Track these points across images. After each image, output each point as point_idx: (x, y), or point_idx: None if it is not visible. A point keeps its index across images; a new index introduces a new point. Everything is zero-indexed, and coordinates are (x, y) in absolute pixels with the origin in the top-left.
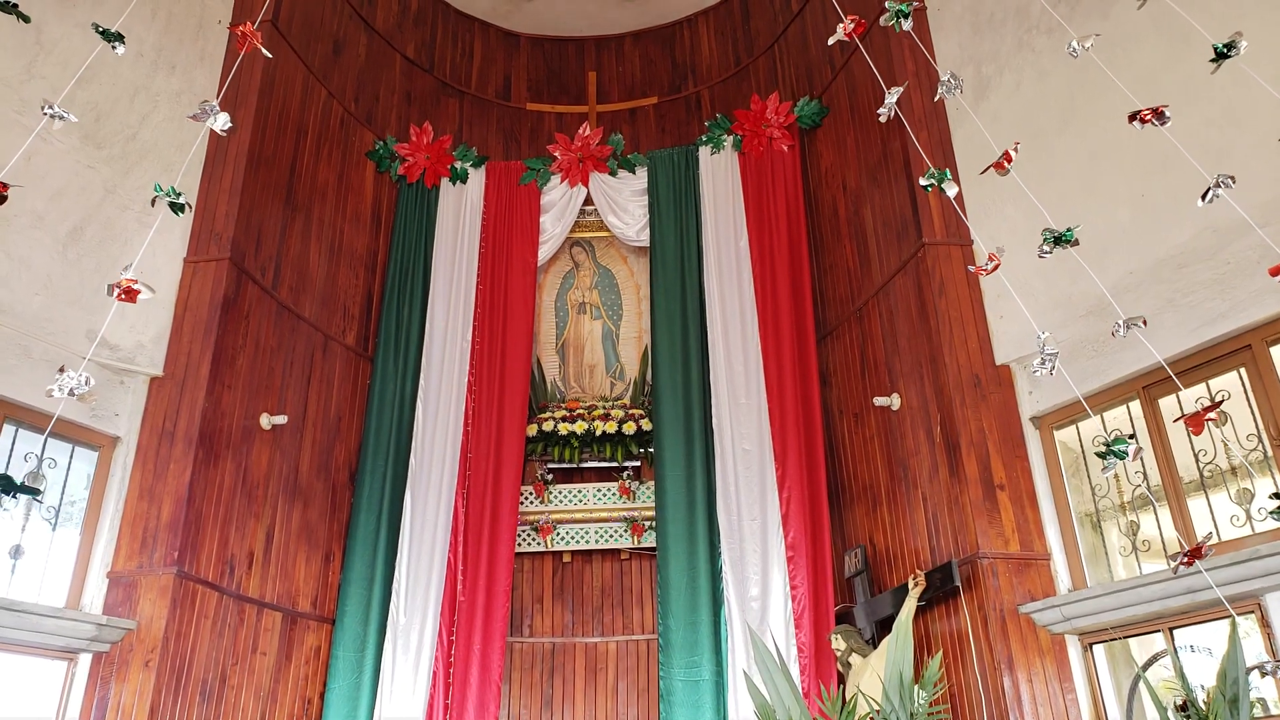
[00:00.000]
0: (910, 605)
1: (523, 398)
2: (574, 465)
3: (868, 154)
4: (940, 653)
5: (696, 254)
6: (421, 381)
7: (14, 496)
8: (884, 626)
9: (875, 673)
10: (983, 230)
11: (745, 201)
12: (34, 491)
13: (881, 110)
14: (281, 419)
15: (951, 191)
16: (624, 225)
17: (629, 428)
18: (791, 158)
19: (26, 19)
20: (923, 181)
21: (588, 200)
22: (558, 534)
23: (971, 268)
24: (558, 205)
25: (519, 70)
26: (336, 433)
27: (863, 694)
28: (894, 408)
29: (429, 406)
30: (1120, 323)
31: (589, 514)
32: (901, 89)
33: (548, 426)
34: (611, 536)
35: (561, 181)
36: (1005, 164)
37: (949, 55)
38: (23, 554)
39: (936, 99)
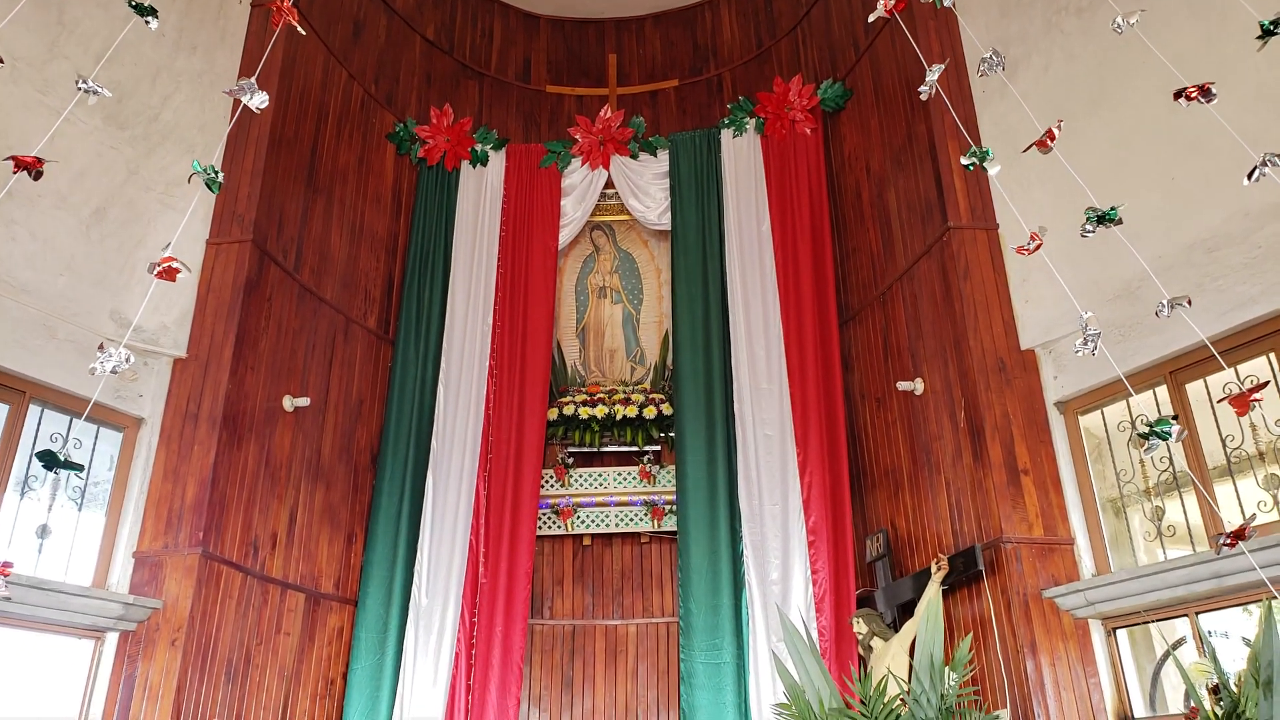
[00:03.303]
0: (933, 589)
1: (544, 381)
2: (594, 449)
3: (892, 137)
4: (970, 634)
5: (718, 237)
6: (443, 365)
7: (55, 471)
8: (905, 610)
9: (901, 654)
10: (1008, 214)
11: (767, 185)
12: (77, 467)
13: (923, 88)
14: (304, 401)
15: (994, 170)
16: (645, 209)
17: (649, 412)
18: (814, 140)
19: None
20: (964, 160)
21: (608, 183)
22: (578, 517)
23: (1013, 247)
24: (578, 188)
25: (539, 52)
26: (358, 415)
27: (892, 675)
28: (917, 392)
29: (450, 390)
30: (1164, 302)
31: (609, 497)
32: (943, 66)
33: (568, 410)
34: (632, 520)
35: (582, 164)
36: (1049, 142)
37: (976, 37)
38: (50, 534)
39: (980, 75)
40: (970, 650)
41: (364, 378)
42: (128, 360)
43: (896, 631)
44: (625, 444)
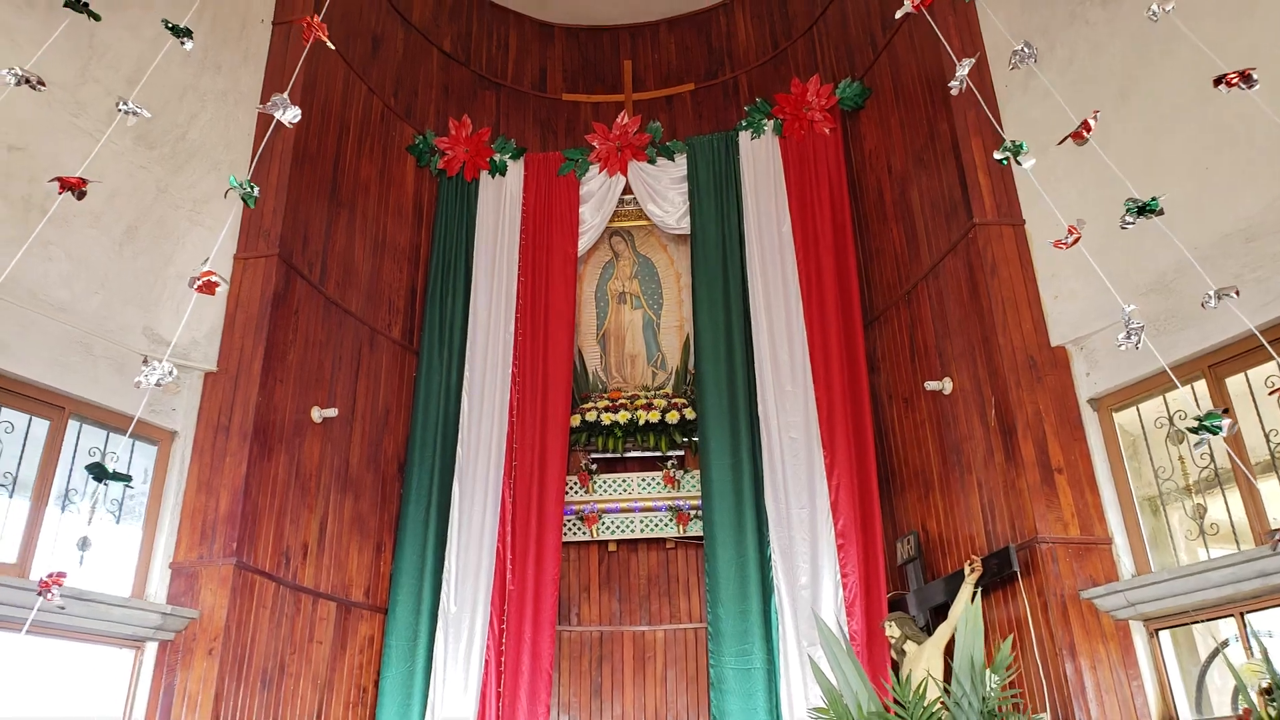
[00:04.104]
0: (967, 591)
1: (566, 388)
2: (618, 455)
3: (913, 135)
4: (1012, 636)
5: (738, 240)
6: (466, 373)
7: (105, 483)
8: (938, 613)
9: (936, 657)
10: (1035, 210)
11: (787, 186)
12: (125, 478)
13: (954, 83)
14: (332, 412)
15: (1029, 163)
16: (664, 213)
17: (672, 417)
18: (834, 140)
19: (97, 17)
20: (997, 155)
21: (626, 189)
22: (603, 523)
23: (1049, 241)
24: (596, 195)
25: (554, 61)
26: (385, 425)
27: (932, 678)
28: (945, 392)
29: (474, 398)
30: (1211, 293)
31: (634, 503)
32: (973, 60)
33: (591, 417)
34: (657, 526)
35: (600, 171)
36: (1085, 133)
37: (997, 31)
38: (90, 546)
39: (1011, 68)
40: (1012, 652)
41: (390, 388)
42: (171, 373)
43: (930, 635)
44: (648, 449)
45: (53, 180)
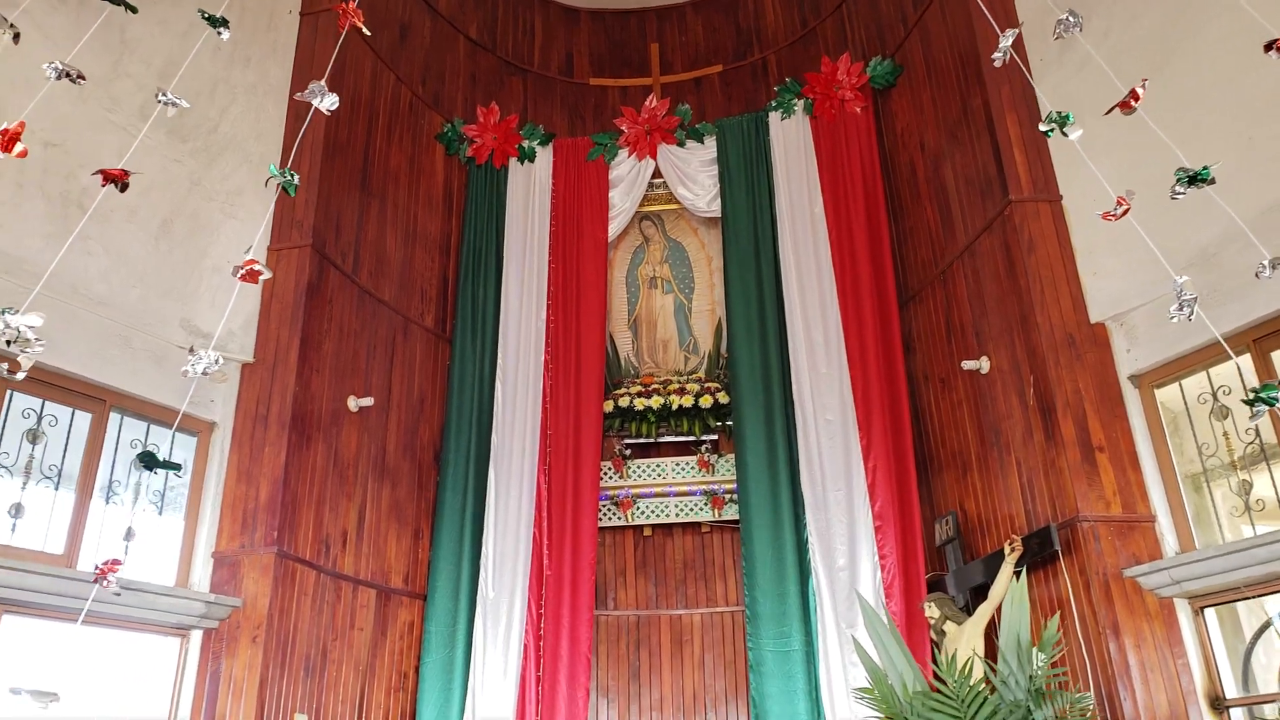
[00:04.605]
0: (1007, 571)
1: (599, 374)
2: (651, 440)
3: (946, 111)
4: (1058, 614)
5: (770, 222)
6: (499, 360)
7: (155, 472)
8: (977, 594)
9: (976, 637)
10: (1072, 185)
11: (819, 166)
12: (175, 467)
13: (996, 55)
14: (368, 401)
15: (1076, 135)
16: (694, 196)
17: (705, 401)
18: (865, 119)
19: (134, 9)
20: (1042, 127)
21: (656, 173)
22: (638, 508)
23: (1096, 214)
24: (626, 179)
25: (580, 46)
26: (420, 413)
27: (977, 656)
28: (983, 371)
29: (508, 385)
30: (1265, 263)
31: (668, 488)
32: (1017, 31)
33: (624, 402)
34: (692, 510)
35: (629, 155)
36: (1132, 103)
37: (1031, 3)
38: (134, 536)
39: (1055, 38)
40: (1059, 630)
41: (424, 376)
42: (218, 362)
43: (969, 615)
44: (682, 434)
45: (96, 173)
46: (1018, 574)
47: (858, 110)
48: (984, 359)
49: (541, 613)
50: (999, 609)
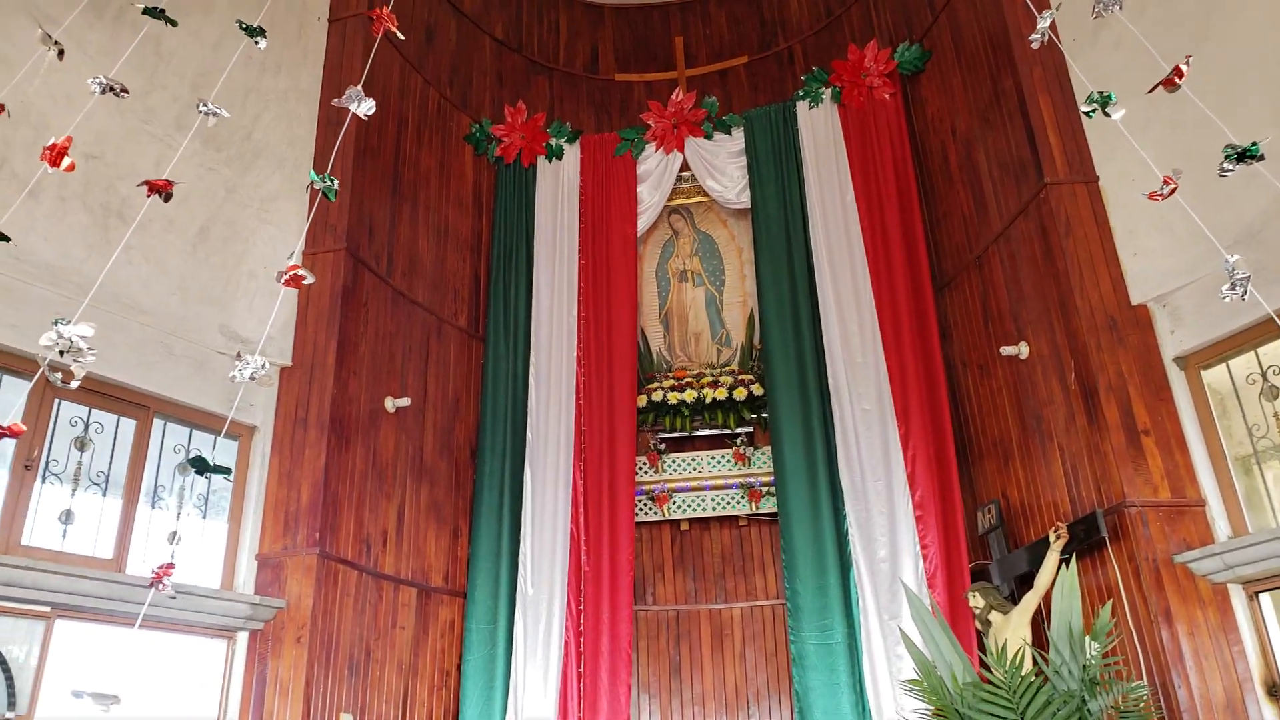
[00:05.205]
0: (1053, 559)
1: (631, 369)
2: (686, 434)
3: (977, 95)
4: (1111, 601)
5: (800, 211)
6: (532, 358)
7: (206, 476)
8: (1022, 583)
9: (1023, 627)
10: (1109, 165)
11: (848, 154)
12: (225, 470)
13: (1034, 36)
14: (405, 401)
15: (1118, 115)
16: (723, 188)
17: (740, 393)
18: (894, 106)
19: (174, 23)
20: (1084, 108)
21: (684, 166)
22: (674, 503)
23: (1143, 194)
24: (654, 174)
25: (605, 42)
26: (455, 412)
27: (1028, 646)
28: (1022, 356)
29: (541, 382)
30: None
31: (704, 482)
32: (1056, 10)
33: (657, 397)
34: (729, 503)
35: (656, 149)
36: (1176, 79)
37: None
38: (180, 540)
39: (1094, 16)
40: (1112, 618)
41: (458, 375)
42: (264, 366)
43: (1015, 604)
44: (717, 427)
45: (141, 184)
46: (1065, 562)
47: (886, 97)
48: (1023, 344)
49: (581, 609)
50: (1046, 598)
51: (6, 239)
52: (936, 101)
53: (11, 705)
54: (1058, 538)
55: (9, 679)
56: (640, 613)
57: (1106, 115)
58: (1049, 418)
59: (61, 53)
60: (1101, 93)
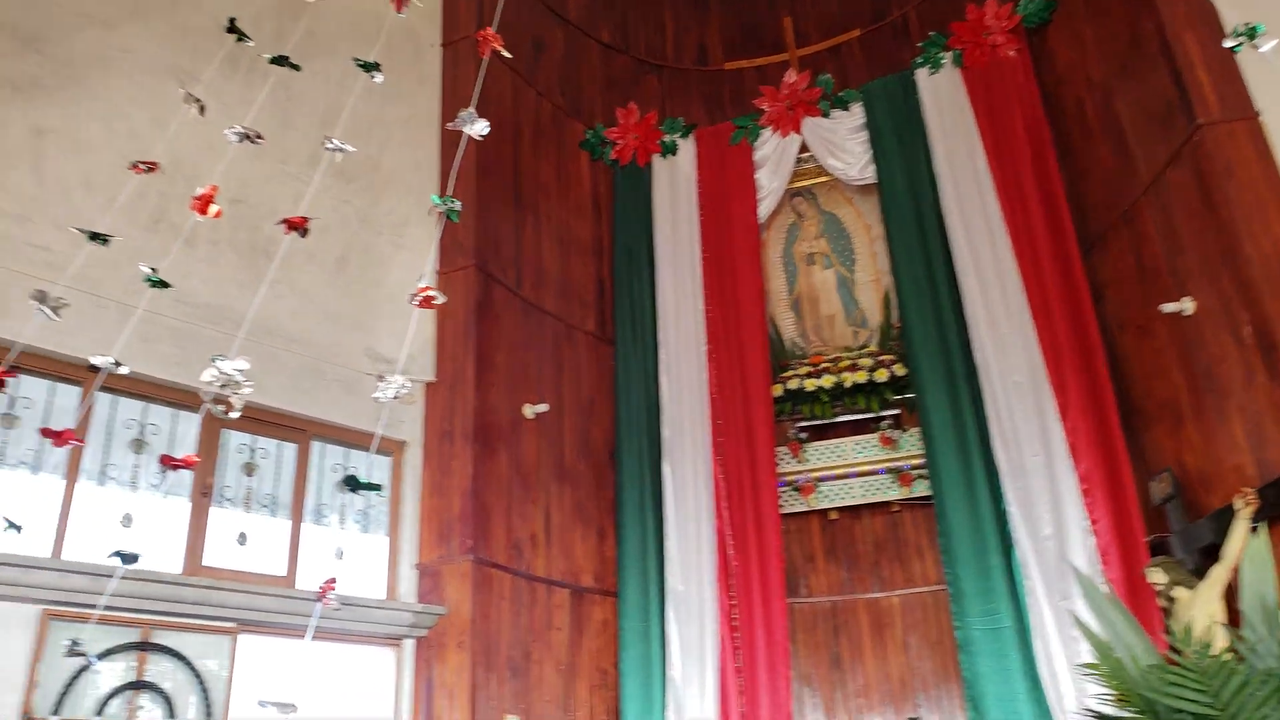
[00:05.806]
0: (1241, 528)
1: (763, 359)
2: (827, 421)
3: (1112, 42)
4: None
5: (929, 183)
6: (661, 355)
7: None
8: (1207, 555)
9: (1214, 602)
10: (1271, 99)
11: (976, 117)
12: (376, 487)
13: None
14: (543, 407)
15: (1267, 46)
16: (845, 165)
17: (881, 375)
18: (1021, 62)
19: (298, 68)
20: (1227, 43)
21: (802, 148)
22: (820, 492)
23: None
24: (771, 159)
25: (712, 32)
26: (591, 415)
27: (1218, 624)
28: (1187, 312)
29: (673, 379)
30: None
31: (850, 469)
32: None
33: (793, 385)
34: (878, 489)
35: (772, 134)
36: None
37: None
38: (344, 555)
39: None
40: None
41: (590, 378)
42: (406, 386)
43: (1201, 578)
44: (859, 411)
45: (279, 223)
46: (1254, 529)
47: (1011, 54)
48: (1186, 300)
49: (733, 602)
50: (1235, 570)
51: (167, 285)
52: (1066, 53)
53: (208, 716)
54: (1245, 504)
55: (205, 691)
56: (795, 605)
57: (1255, 48)
58: (1223, 376)
59: (203, 109)
60: (1247, 24)
